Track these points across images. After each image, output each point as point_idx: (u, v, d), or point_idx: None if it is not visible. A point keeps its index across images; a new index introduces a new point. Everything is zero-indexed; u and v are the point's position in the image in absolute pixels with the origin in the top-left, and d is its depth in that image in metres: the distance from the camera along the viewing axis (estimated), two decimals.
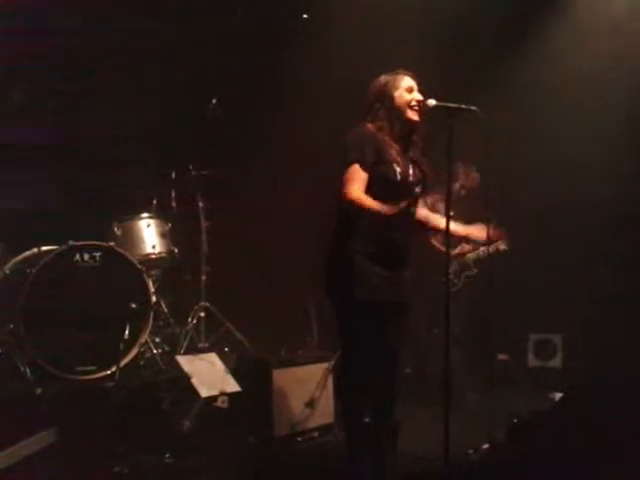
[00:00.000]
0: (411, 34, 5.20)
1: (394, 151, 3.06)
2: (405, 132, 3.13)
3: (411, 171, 3.12)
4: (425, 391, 4.58)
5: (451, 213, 4.68)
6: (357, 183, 2.97)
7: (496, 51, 5.52)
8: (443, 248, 4.69)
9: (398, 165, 3.04)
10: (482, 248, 4.94)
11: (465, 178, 4.94)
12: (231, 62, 5.37)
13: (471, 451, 3.42)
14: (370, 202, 2.94)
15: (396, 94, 3.09)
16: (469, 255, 4.97)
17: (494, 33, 5.43)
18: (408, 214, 3.04)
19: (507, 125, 5.09)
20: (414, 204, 3.02)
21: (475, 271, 4.96)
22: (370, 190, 3.00)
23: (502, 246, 4.90)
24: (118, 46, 4.99)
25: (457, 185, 4.89)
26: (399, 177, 3.03)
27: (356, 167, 2.99)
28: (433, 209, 4.74)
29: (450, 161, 2.93)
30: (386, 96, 3.09)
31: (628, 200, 5.28)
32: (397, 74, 3.14)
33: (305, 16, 5.61)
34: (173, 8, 5.12)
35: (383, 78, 3.14)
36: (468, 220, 3.53)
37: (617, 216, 5.32)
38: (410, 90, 3.11)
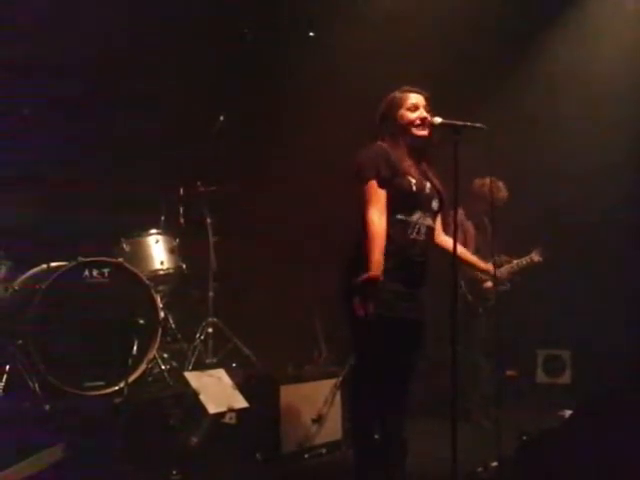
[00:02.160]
0: (416, 49, 5.24)
1: (407, 165, 3.07)
2: (415, 148, 3.14)
3: (427, 184, 3.13)
4: (434, 408, 4.56)
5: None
6: (378, 205, 2.97)
7: (500, 64, 5.57)
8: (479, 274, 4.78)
9: (412, 177, 3.05)
10: (516, 261, 4.94)
11: (494, 193, 4.81)
12: (238, 79, 5.41)
13: (480, 469, 3.40)
14: (376, 252, 2.91)
15: (399, 113, 3.10)
16: (503, 269, 4.94)
17: (499, 45, 5.47)
18: (427, 230, 3.07)
19: (512, 138, 5.12)
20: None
21: (508, 286, 4.94)
22: (388, 204, 3.00)
23: (537, 258, 4.91)
24: (126, 65, 5.03)
25: (486, 201, 4.84)
26: (414, 188, 3.03)
27: (373, 184, 3.00)
28: (462, 227, 4.77)
29: (457, 178, 2.93)
30: (390, 115, 3.12)
31: (637, 212, 5.28)
32: (403, 92, 3.16)
33: (311, 34, 5.66)
34: (182, 28, 5.17)
35: (390, 97, 3.17)
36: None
37: (627, 231, 5.32)
38: (414, 108, 3.11)
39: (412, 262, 3.06)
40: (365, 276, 2.88)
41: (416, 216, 3.06)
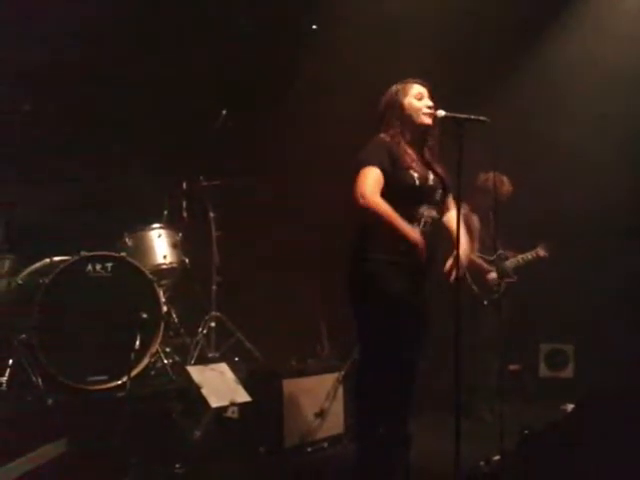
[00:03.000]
0: (418, 43, 5.22)
1: (409, 157, 3.07)
2: (418, 138, 3.14)
3: (430, 176, 3.12)
4: (437, 402, 4.57)
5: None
6: (372, 183, 2.96)
7: (504, 59, 5.54)
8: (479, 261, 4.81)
9: (415, 171, 3.05)
10: (521, 255, 4.96)
11: (498, 188, 4.74)
12: (241, 73, 5.40)
13: (482, 463, 3.39)
14: (387, 210, 2.92)
15: (406, 101, 3.12)
16: (508, 262, 4.95)
17: (502, 41, 5.45)
18: (431, 222, 3.08)
19: (515, 133, 5.10)
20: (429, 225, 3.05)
21: (515, 278, 4.95)
22: (390, 198, 2.99)
23: (542, 253, 4.94)
24: (126, 57, 5.03)
25: (490, 195, 4.84)
26: (418, 182, 3.04)
27: (370, 168, 2.98)
28: (467, 221, 4.78)
29: (460, 171, 2.93)
30: (397, 104, 3.12)
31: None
32: (406, 82, 3.17)
33: (314, 27, 5.64)
34: (184, 21, 5.16)
35: (393, 87, 3.17)
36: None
37: (629, 225, 5.30)
38: (420, 97, 3.13)
39: (418, 254, 3.05)
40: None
41: (421, 209, 3.06)
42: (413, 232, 2.93)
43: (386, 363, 3.05)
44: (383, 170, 3.00)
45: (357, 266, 3.10)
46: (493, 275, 4.82)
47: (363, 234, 3.10)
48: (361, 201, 2.94)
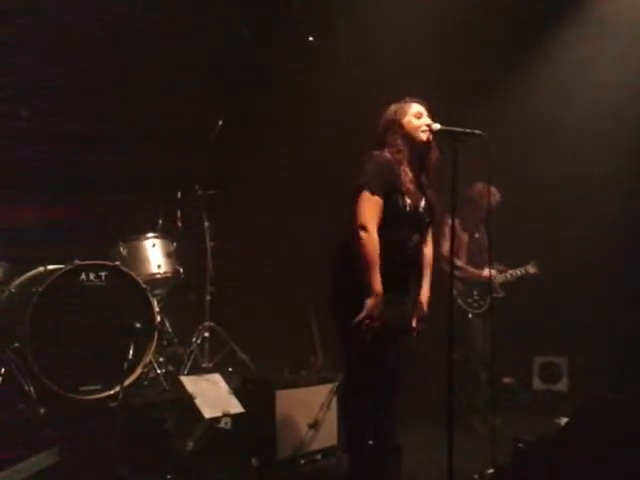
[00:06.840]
0: (415, 56, 5.25)
1: (408, 179, 3.09)
2: (418, 157, 3.15)
3: (422, 202, 3.15)
4: (431, 415, 4.56)
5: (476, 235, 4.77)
6: (374, 215, 2.98)
7: (499, 71, 5.58)
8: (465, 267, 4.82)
9: (410, 196, 3.07)
10: (510, 271, 4.97)
11: (486, 198, 4.81)
12: (238, 83, 5.42)
13: (476, 476, 3.39)
14: (374, 258, 2.93)
15: (405, 120, 3.14)
16: (496, 277, 4.96)
17: (498, 51, 5.49)
18: (415, 246, 3.10)
19: (512, 146, 5.13)
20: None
21: (502, 293, 4.96)
22: (380, 218, 3.02)
23: (532, 270, 4.95)
24: (123, 66, 5.03)
25: (477, 206, 4.87)
26: (409, 208, 3.06)
27: (374, 197, 3.00)
28: (456, 239, 4.78)
29: (455, 186, 2.95)
30: (396, 123, 3.14)
31: (634, 222, 5.29)
32: (405, 102, 3.20)
33: (310, 39, 5.66)
34: (181, 31, 5.18)
35: (392, 107, 3.20)
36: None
37: (624, 240, 5.32)
38: (419, 116, 3.16)
39: (400, 270, 3.10)
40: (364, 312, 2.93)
41: (406, 233, 3.10)
42: (375, 297, 2.93)
43: (370, 376, 3.07)
44: (377, 191, 3.01)
45: (340, 281, 3.13)
46: (486, 273, 4.82)
47: (347, 249, 3.09)
48: (362, 233, 2.96)
